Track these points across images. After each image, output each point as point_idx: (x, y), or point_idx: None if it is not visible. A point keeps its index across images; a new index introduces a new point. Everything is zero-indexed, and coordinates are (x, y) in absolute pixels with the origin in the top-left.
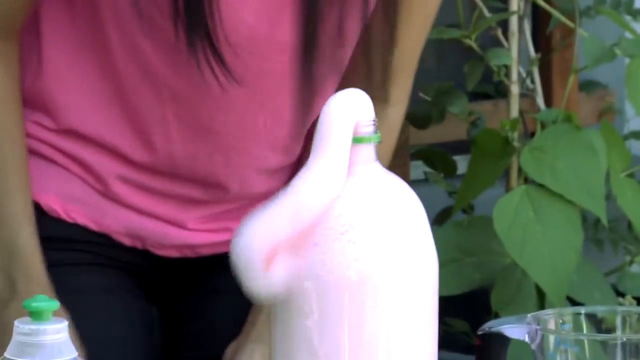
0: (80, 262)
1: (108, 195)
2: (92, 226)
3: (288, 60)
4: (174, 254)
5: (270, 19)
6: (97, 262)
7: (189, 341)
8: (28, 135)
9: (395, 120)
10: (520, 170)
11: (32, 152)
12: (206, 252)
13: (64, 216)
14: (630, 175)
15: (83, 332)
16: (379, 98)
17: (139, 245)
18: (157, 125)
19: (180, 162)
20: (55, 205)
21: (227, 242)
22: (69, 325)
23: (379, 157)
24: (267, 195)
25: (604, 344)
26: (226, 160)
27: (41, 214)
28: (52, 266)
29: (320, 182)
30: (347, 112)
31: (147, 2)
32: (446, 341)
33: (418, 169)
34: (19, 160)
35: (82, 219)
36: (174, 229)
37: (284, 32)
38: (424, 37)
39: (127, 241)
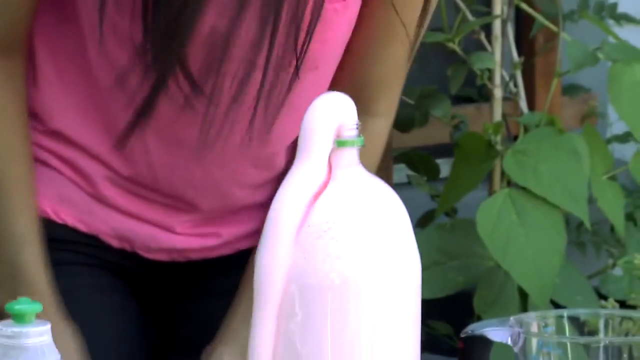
0: (69, 262)
1: (97, 197)
2: (81, 227)
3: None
4: (162, 257)
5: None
6: (86, 263)
7: (182, 345)
8: None
9: (381, 133)
10: (503, 173)
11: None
12: (195, 256)
13: (53, 217)
14: (612, 178)
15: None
16: (366, 111)
17: (127, 247)
18: (134, 137)
19: (159, 174)
20: (45, 206)
21: (217, 247)
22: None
23: (365, 167)
24: (251, 207)
25: (586, 346)
26: (205, 174)
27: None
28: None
29: None
30: (330, 115)
31: (112, 13)
32: (429, 344)
33: (401, 172)
34: (25, 178)
35: (71, 220)
36: (162, 233)
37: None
38: (412, 51)
39: (115, 243)
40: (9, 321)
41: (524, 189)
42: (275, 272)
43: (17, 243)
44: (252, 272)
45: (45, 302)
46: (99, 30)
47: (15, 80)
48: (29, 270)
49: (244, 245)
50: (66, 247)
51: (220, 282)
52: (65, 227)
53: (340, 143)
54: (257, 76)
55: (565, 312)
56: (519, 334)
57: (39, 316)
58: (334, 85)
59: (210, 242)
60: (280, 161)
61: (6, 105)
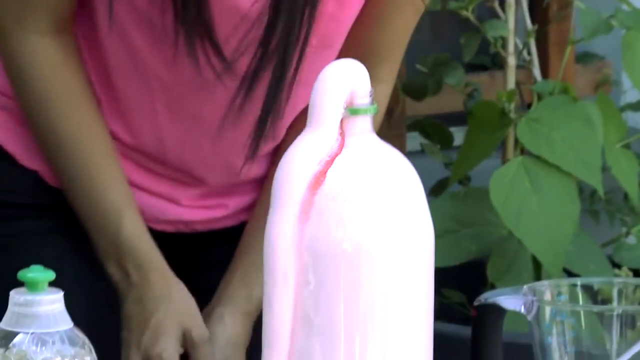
0: (76, 229)
1: None
2: None
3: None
4: (168, 228)
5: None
6: None
7: None
8: None
9: (383, 97)
10: (516, 141)
11: None
12: (201, 228)
13: (60, 186)
14: (626, 147)
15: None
16: (370, 77)
17: None
18: (146, 112)
19: (169, 148)
20: (55, 175)
21: (223, 219)
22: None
23: None
24: (255, 178)
25: (600, 315)
26: (214, 147)
27: (42, 184)
28: (51, 232)
29: None
30: (341, 81)
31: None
32: (442, 312)
33: (414, 140)
34: (110, 150)
35: None
36: (169, 205)
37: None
38: (417, 18)
39: None
40: (22, 289)
41: (537, 157)
42: (283, 240)
43: (116, 213)
44: (249, 237)
45: (154, 265)
46: (109, 9)
47: (75, 57)
48: (131, 239)
49: (248, 216)
50: (73, 214)
51: (225, 253)
52: None
53: (353, 111)
54: (274, 54)
55: (578, 281)
56: (532, 302)
57: (157, 278)
58: (339, 55)
59: (217, 213)
60: (285, 130)
61: (78, 81)
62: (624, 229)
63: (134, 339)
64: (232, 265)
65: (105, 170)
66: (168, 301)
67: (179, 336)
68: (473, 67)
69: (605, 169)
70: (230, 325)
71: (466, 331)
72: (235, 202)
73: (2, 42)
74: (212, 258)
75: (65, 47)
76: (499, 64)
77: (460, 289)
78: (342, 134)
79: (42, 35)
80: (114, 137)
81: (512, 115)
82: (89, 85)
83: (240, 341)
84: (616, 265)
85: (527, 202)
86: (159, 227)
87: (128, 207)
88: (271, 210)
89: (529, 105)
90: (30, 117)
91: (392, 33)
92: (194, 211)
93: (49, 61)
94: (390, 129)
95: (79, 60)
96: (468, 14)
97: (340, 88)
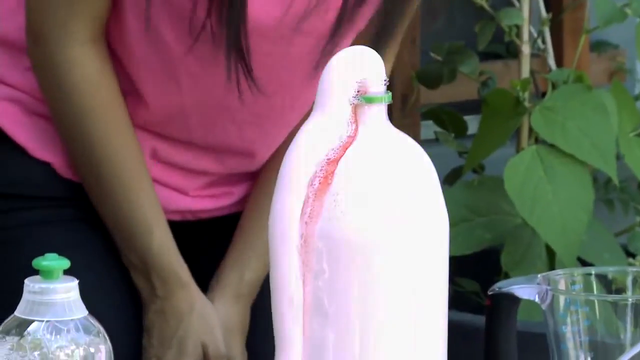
0: (84, 219)
1: None
2: None
3: (311, 43)
4: (175, 217)
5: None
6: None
7: None
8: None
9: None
10: (531, 130)
11: (50, 118)
12: (205, 216)
13: (73, 178)
14: None
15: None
16: None
17: None
18: (172, 98)
19: (195, 131)
20: (67, 167)
21: (228, 207)
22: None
23: None
24: None
25: (614, 304)
26: (240, 134)
27: (53, 175)
28: (63, 223)
29: None
30: (349, 69)
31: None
32: (456, 301)
33: (429, 128)
34: (144, 164)
35: None
36: (177, 196)
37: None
38: (415, 2)
39: None
40: (37, 277)
41: (551, 145)
42: (288, 226)
43: (147, 227)
44: (244, 224)
45: (180, 282)
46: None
47: (110, 66)
48: (160, 254)
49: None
50: (84, 205)
51: (229, 241)
52: (82, 187)
53: (367, 99)
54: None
55: (592, 270)
56: (546, 291)
57: (182, 294)
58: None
59: (223, 202)
60: None
61: (114, 96)
62: (638, 218)
63: (155, 354)
64: (227, 252)
65: (138, 184)
66: (190, 317)
67: (199, 356)
68: (487, 56)
69: (618, 157)
70: (221, 311)
71: (480, 320)
72: (241, 190)
73: (41, 50)
74: (218, 246)
75: (102, 57)
76: (513, 52)
77: (475, 277)
78: (355, 122)
79: (82, 45)
80: (137, 120)
81: (527, 103)
82: (122, 96)
83: (233, 325)
84: (630, 255)
85: (542, 191)
86: (167, 216)
87: (158, 222)
88: (277, 195)
89: (544, 94)
90: (65, 126)
91: (400, 15)
92: (201, 200)
93: (89, 74)
94: (405, 117)
95: (113, 68)
96: (483, 2)
97: (348, 75)
